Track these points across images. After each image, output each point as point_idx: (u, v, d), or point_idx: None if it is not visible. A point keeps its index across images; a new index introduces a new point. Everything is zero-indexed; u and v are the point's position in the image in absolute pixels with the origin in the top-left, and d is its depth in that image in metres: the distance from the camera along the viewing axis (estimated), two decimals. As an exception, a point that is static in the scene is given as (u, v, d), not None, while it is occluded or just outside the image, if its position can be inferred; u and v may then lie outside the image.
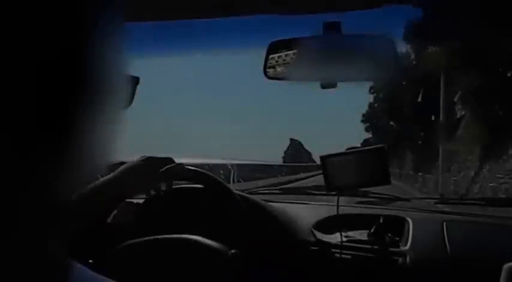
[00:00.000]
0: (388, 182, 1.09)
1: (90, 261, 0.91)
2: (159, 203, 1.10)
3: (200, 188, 1.10)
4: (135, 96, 0.71)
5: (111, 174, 0.94)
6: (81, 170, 0.26)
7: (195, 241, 0.94)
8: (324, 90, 0.87)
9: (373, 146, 1.12)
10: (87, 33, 0.24)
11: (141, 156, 0.99)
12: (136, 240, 0.95)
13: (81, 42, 0.23)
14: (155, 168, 0.97)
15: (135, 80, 0.76)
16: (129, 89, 0.71)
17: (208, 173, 1.05)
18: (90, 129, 0.25)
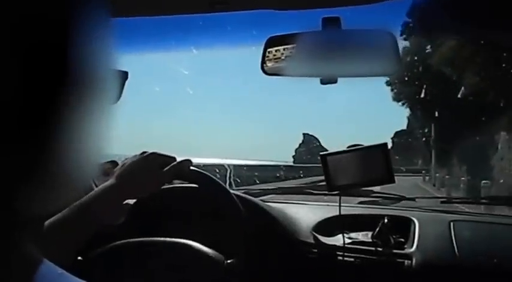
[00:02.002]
0: (392, 181, 1.13)
1: (79, 258, 0.91)
2: (152, 203, 1.10)
3: (195, 187, 1.11)
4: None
5: (113, 179, 0.92)
6: (70, 168, 0.28)
7: (189, 246, 0.94)
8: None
9: (376, 143, 1.15)
10: (74, 29, 0.26)
11: (143, 152, 0.95)
12: (124, 241, 0.96)
13: (68, 38, 0.25)
14: (159, 166, 0.93)
15: (124, 75, 0.79)
16: (118, 84, 0.74)
17: (211, 175, 1.03)
18: (77, 127, 0.27)
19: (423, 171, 19.52)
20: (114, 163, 1.31)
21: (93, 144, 0.29)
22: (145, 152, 0.95)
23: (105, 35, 0.28)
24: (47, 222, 0.80)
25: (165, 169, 0.93)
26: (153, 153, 0.94)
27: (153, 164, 0.93)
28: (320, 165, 1.14)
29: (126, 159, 0.97)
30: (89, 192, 0.90)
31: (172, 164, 0.93)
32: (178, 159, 0.96)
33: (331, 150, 1.17)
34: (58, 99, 0.25)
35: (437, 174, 15.61)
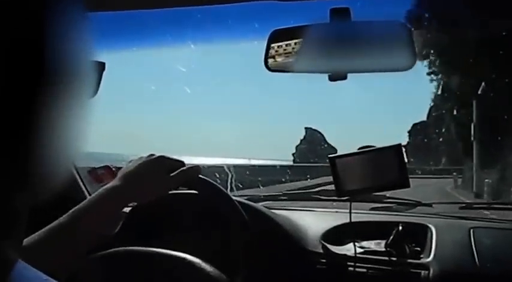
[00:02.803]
0: (406, 185, 1.11)
1: None
2: (149, 210, 1.08)
3: (196, 194, 1.09)
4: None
5: (116, 181, 0.90)
6: (49, 168, 0.28)
7: (189, 262, 0.91)
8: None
9: (389, 145, 1.13)
10: (51, 25, 0.25)
11: (150, 154, 0.94)
12: (119, 249, 0.94)
13: (45, 35, 0.25)
14: (166, 171, 0.92)
15: (101, 66, 0.77)
16: (95, 77, 0.73)
17: (215, 183, 1.03)
18: (54, 123, 0.27)
19: (454, 173, 15.51)
20: (107, 168, 1.30)
21: (72, 141, 0.29)
22: (152, 155, 0.94)
23: (83, 30, 0.29)
24: (44, 229, 0.80)
25: (173, 174, 0.92)
26: (161, 157, 0.94)
27: (161, 168, 0.92)
28: (327, 164, 1.12)
29: (131, 161, 0.96)
30: (74, 192, 0.89)
31: (181, 170, 0.92)
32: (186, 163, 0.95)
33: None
34: (35, 99, 0.25)
35: (486, 180, 11.12)
